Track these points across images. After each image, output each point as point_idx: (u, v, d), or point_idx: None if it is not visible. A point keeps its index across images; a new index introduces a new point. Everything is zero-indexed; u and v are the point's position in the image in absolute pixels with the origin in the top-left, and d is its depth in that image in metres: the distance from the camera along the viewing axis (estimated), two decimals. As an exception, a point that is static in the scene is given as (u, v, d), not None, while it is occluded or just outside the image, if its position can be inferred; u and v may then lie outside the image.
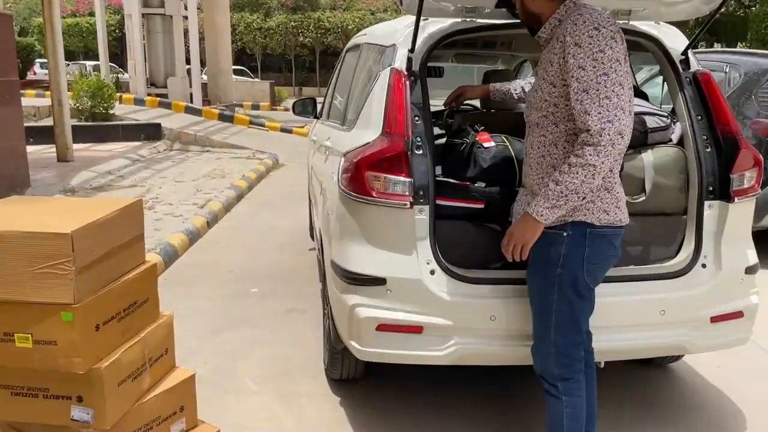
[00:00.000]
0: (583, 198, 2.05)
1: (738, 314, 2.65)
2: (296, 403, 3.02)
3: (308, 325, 3.86)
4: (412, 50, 2.61)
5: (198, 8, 17.13)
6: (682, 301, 2.56)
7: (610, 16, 2.07)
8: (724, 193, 2.60)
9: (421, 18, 2.77)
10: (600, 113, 1.97)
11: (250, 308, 4.20)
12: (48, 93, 9.12)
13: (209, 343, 3.66)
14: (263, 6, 30.78)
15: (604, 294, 2.36)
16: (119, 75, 17.89)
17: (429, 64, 5.23)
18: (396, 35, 2.79)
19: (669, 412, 2.97)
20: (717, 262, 2.61)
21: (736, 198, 2.58)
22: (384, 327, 2.48)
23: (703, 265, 2.61)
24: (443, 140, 4.35)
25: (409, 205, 2.44)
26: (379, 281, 2.47)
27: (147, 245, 5.05)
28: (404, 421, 2.88)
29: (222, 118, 13.88)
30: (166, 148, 10.73)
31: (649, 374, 3.31)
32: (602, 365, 2.51)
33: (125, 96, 14.62)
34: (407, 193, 2.44)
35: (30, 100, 12.13)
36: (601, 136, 1.96)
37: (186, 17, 14.95)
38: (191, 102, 14.55)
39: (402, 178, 2.44)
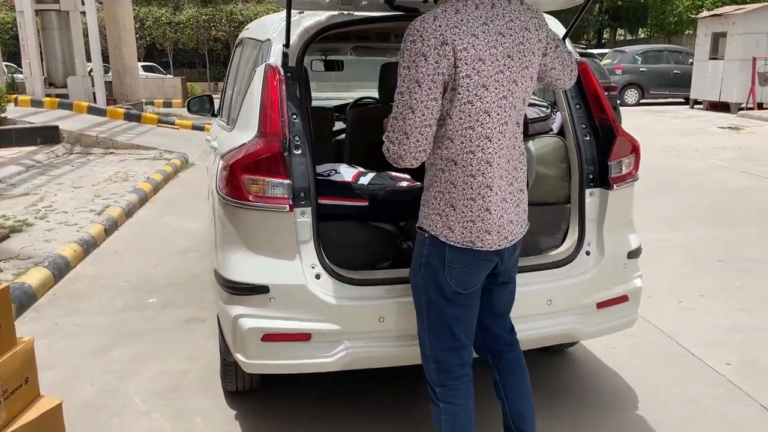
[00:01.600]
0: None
1: (623, 298, 2.70)
2: (188, 421, 2.86)
3: (207, 335, 3.69)
4: (287, 45, 2.50)
5: (99, 2, 16.30)
6: (568, 289, 2.58)
7: (450, 22, 1.86)
8: (603, 180, 2.63)
9: (297, 11, 2.68)
10: (387, 132, 1.95)
11: (145, 321, 3.98)
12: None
13: (98, 361, 3.44)
14: (172, -1, 29.71)
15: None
16: (15, 75, 16.80)
17: (329, 58, 5.19)
18: (271, 29, 2.67)
19: (563, 398, 3.00)
20: (600, 248, 2.65)
21: (615, 185, 2.62)
22: (270, 337, 2.37)
23: (587, 253, 2.64)
24: (343, 136, 4.26)
25: (289, 208, 2.33)
26: (262, 289, 2.35)
27: (36, 258, 4.77)
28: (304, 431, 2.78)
29: (128, 117, 13.28)
30: (66, 152, 10.13)
31: (544, 360, 3.35)
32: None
33: (21, 98, 13.76)
34: (287, 196, 2.33)
35: None
36: (386, 151, 1.97)
37: (84, 12, 14.16)
38: (94, 102, 13.82)
39: (280, 180, 2.33)
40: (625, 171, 2.66)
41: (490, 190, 1.99)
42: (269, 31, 2.67)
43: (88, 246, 5.37)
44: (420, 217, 2.10)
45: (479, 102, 1.91)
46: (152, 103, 19.47)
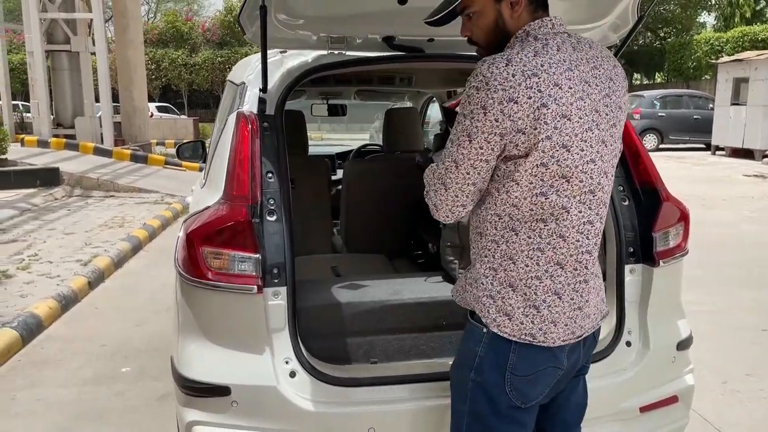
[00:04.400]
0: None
1: (672, 399, 2.20)
2: None
3: (178, 417, 3.20)
4: (264, 89, 2.09)
5: (112, 42, 16.28)
6: (605, 390, 2.09)
7: (527, 68, 1.45)
8: (646, 254, 2.16)
9: (278, 50, 2.29)
10: (427, 175, 1.66)
11: (114, 396, 3.50)
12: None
13: (49, 450, 2.96)
14: (188, 42, 30.02)
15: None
16: (24, 115, 16.77)
17: (332, 102, 4.82)
18: (247, 71, 2.27)
19: None
20: (644, 338, 2.17)
21: (661, 260, 2.15)
22: (231, 451, 1.90)
23: (628, 343, 2.16)
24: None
25: (257, 289, 1.88)
26: (222, 391, 1.89)
27: (5, 318, 4.33)
28: None
29: (134, 158, 13.03)
30: (65, 195, 9.82)
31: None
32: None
33: (28, 138, 13.63)
34: (255, 274, 1.89)
35: None
36: (425, 196, 1.67)
37: (94, 53, 14.10)
38: (101, 142, 13.63)
39: (247, 254, 1.89)
40: (672, 243, 2.19)
41: (562, 269, 1.57)
42: (245, 73, 2.28)
43: (67, 302, 4.93)
44: (469, 299, 1.65)
45: (556, 165, 1.49)
46: (163, 144, 19.36)
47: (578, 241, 1.57)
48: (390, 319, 2.22)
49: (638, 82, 31.94)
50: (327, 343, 2.08)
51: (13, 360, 3.98)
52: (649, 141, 18.60)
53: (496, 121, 1.45)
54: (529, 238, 1.54)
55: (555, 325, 1.57)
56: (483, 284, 1.60)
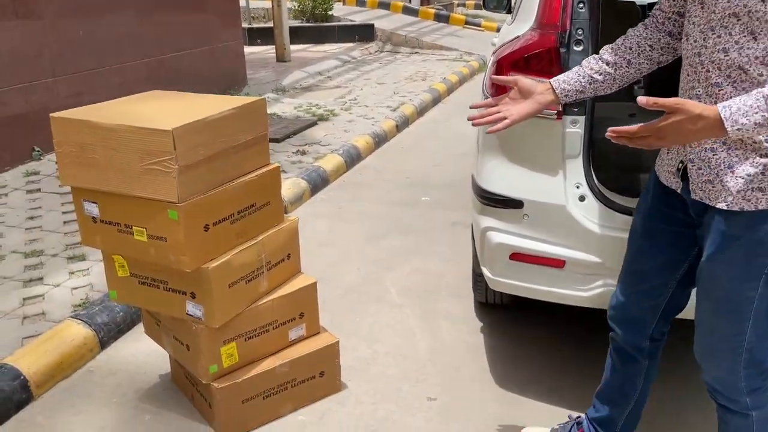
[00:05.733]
0: None
1: None
2: (434, 322, 2.86)
3: (468, 241, 3.61)
4: None
5: None
6: None
7: None
8: None
9: None
10: None
11: (416, 217, 4.07)
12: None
13: (368, 248, 3.63)
14: None
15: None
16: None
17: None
18: None
19: None
20: None
21: None
22: (518, 256, 2.16)
23: None
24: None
25: (556, 116, 2.01)
26: (515, 204, 2.13)
27: (333, 146, 5.20)
28: (540, 364, 2.56)
29: (438, 18, 13.54)
30: (377, 50, 10.79)
31: None
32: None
33: (348, -4, 14.95)
34: (557, 100, 2.01)
35: (261, 3, 12.92)
36: None
37: None
38: (409, 2, 14.37)
39: (552, 82, 2.01)
40: None
41: None
42: None
43: (380, 140, 5.67)
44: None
45: None
46: (464, 5, 19.57)
47: None
48: None
49: None
50: (620, 175, 2.15)
51: (339, 180, 4.80)
52: None
53: None
54: None
55: None
56: None
